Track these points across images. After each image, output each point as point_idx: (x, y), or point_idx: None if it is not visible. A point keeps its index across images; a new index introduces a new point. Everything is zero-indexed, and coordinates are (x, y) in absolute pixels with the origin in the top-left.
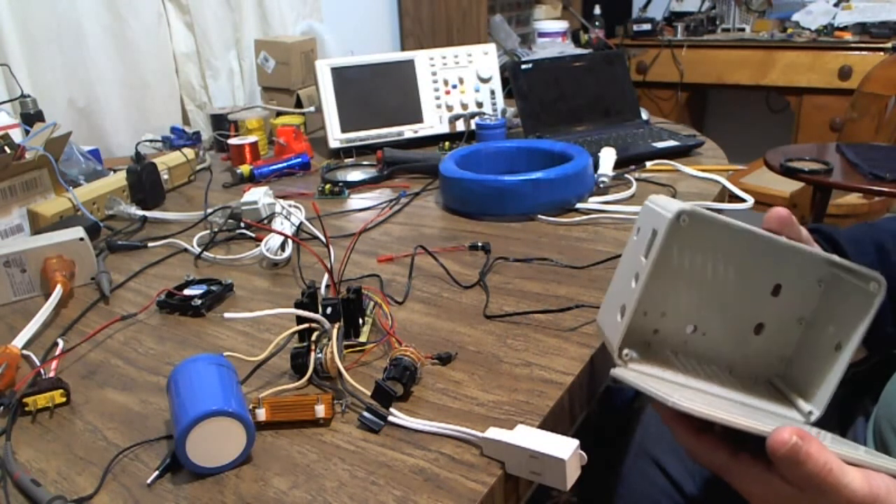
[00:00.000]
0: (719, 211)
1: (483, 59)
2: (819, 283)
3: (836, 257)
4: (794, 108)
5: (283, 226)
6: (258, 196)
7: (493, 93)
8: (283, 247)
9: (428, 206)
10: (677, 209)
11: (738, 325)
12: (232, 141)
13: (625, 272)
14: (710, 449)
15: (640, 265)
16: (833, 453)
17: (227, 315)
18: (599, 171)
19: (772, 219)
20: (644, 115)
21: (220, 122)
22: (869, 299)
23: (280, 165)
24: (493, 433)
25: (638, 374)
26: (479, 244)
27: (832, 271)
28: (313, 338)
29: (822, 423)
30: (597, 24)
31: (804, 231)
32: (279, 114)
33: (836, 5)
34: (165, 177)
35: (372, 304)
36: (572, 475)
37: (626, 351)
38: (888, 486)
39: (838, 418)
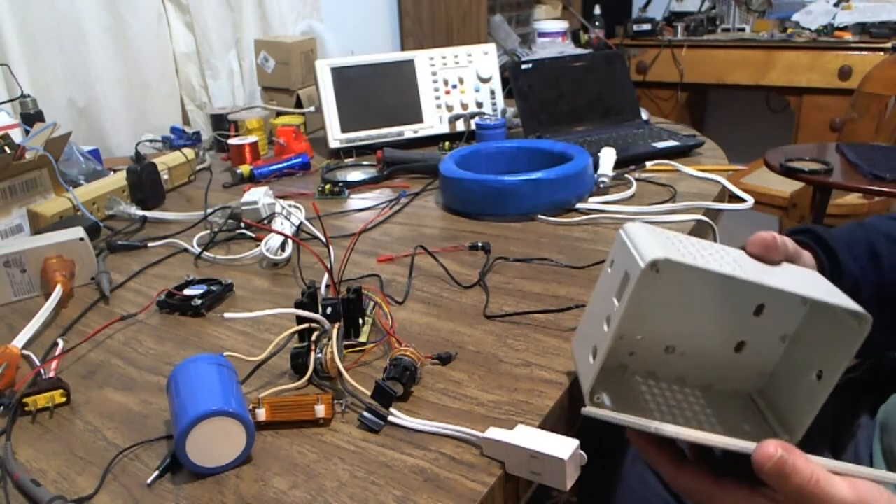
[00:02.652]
0: (719, 211)
1: (483, 59)
2: (804, 302)
3: (817, 296)
4: (794, 108)
5: (283, 226)
6: (258, 196)
7: (493, 93)
8: (283, 247)
9: (428, 206)
10: (650, 258)
11: (717, 344)
12: (232, 141)
13: (598, 308)
14: (691, 478)
15: (612, 308)
16: (817, 464)
17: (227, 315)
18: (599, 171)
19: (755, 244)
20: (644, 115)
21: (220, 122)
22: (853, 334)
23: (280, 165)
24: (493, 433)
25: (609, 411)
26: (479, 244)
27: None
28: (313, 338)
29: (815, 432)
30: (597, 24)
31: (790, 245)
32: (279, 114)
33: (836, 5)
34: (165, 177)
35: (372, 304)
36: (572, 475)
37: (597, 396)
38: (873, 492)
39: (832, 427)
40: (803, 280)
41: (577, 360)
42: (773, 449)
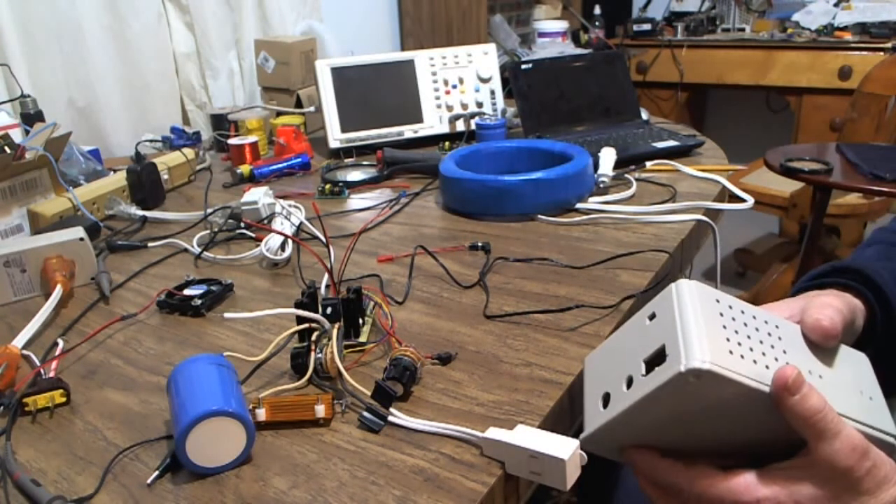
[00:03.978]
0: (719, 211)
1: (483, 59)
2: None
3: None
4: (794, 108)
5: (283, 226)
6: (258, 196)
7: (493, 93)
8: (283, 247)
9: (428, 206)
10: (692, 367)
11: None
12: (232, 141)
13: (624, 352)
14: (700, 471)
15: (638, 369)
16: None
17: (227, 315)
18: (599, 171)
19: (815, 332)
20: (644, 115)
21: (220, 122)
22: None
23: (280, 165)
24: (493, 433)
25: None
26: (479, 244)
27: None
28: (313, 338)
29: None
30: (597, 24)
31: (840, 323)
32: (279, 114)
33: (836, 5)
34: (165, 177)
35: (372, 304)
36: (572, 475)
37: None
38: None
39: None
40: (857, 389)
41: (587, 379)
42: (790, 370)
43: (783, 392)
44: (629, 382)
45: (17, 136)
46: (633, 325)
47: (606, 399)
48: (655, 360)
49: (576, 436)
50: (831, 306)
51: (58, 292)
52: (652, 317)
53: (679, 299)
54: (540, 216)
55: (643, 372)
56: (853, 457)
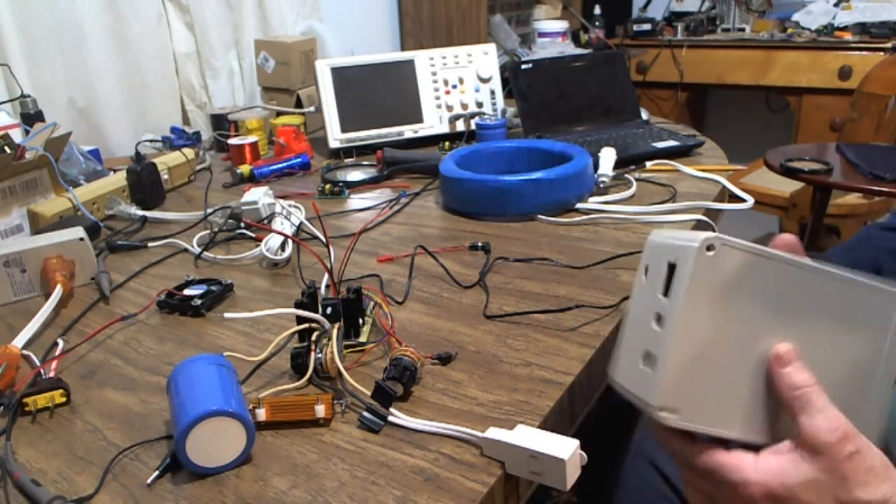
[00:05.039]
0: (719, 211)
1: (483, 59)
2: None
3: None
4: (794, 108)
5: (283, 226)
6: (258, 196)
7: (493, 93)
8: (283, 247)
9: (428, 206)
10: (703, 237)
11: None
12: (232, 141)
13: (639, 315)
14: (709, 454)
15: (660, 304)
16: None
17: (227, 315)
18: (599, 171)
19: (782, 246)
20: (644, 115)
21: (220, 122)
22: None
23: (280, 165)
24: (493, 433)
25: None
26: (479, 244)
27: None
28: (313, 338)
29: None
30: (597, 24)
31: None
32: (279, 114)
33: (836, 5)
34: (165, 177)
35: (372, 304)
36: (572, 475)
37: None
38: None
39: None
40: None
41: (624, 385)
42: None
43: (779, 364)
44: (658, 319)
45: (17, 136)
46: (634, 296)
47: (647, 357)
48: (669, 280)
49: (576, 436)
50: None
51: (58, 292)
52: (646, 270)
53: (661, 234)
54: (540, 216)
55: (662, 292)
56: (833, 436)
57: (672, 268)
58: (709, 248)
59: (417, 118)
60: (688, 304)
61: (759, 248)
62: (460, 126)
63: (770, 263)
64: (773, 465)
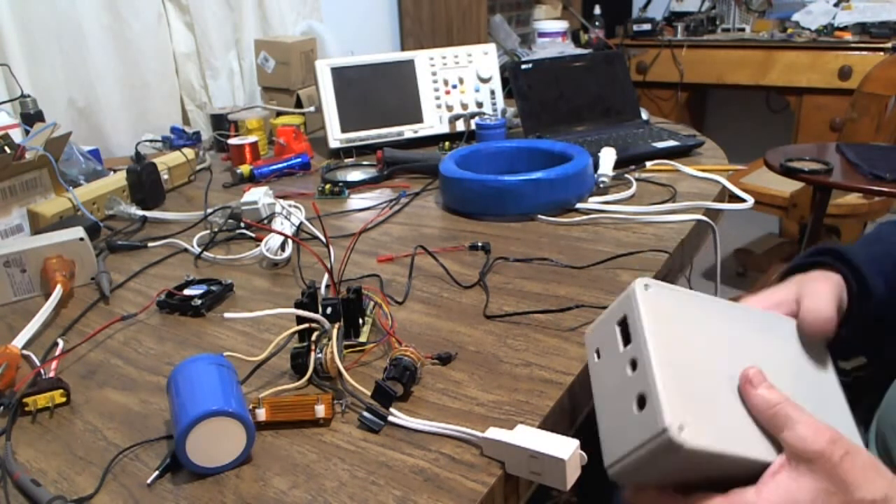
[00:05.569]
0: (719, 211)
1: (483, 59)
2: None
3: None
4: (794, 108)
5: (283, 226)
6: (258, 196)
7: (493, 93)
8: (283, 247)
9: (428, 206)
10: (638, 294)
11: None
12: (232, 141)
13: (611, 395)
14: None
15: (638, 350)
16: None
17: (227, 315)
18: (599, 171)
19: (813, 327)
20: (644, 115)
21: (220, 122)
22: None
23: (280, 165)
24: (493, 433)
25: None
26: (479, 244)
27: None
28: (313, 338)
29: None
30: (597, 24)
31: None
32: (279, 114)
33: (836, 5)
34: (165, 177)
35: (372, 304)
36: (572, 475)
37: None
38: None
39: None
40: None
41: (612, 441)
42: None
43: (752, 384)
44: (632, 365)
45: (17, 136)
46: (596, 381)
47: (641, 400)
48: (625, 334)
49: (576, 436)
50: (821, 295)
51: (58, 292)
52: (598, 354)
53: (644, 323)
54: (540, 216)
55: (623, 346)
56: (820, 441)
57: (623, 322)
58: (646, 287)
59: (417, 118)
60: (652, 328)
61: (680, 288)
62: (460, 126)
63: (691, 296)
64: (778, 489)
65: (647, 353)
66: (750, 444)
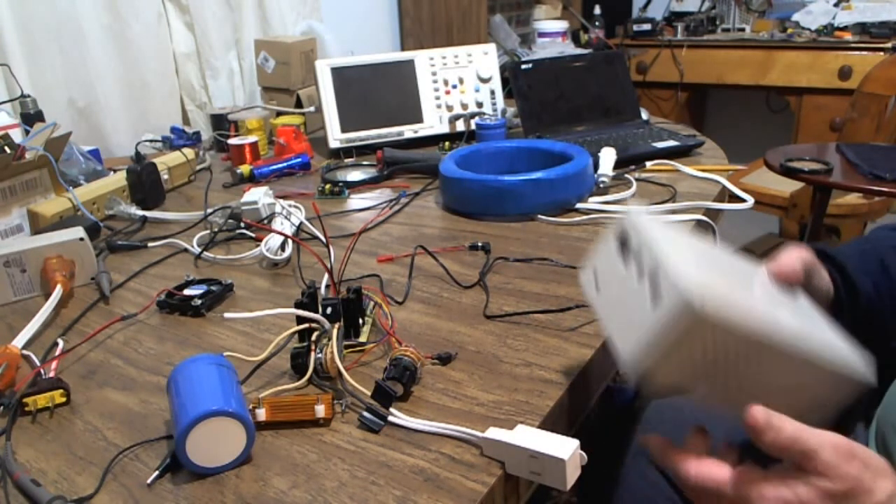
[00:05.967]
0: (719, 211)
1: (483, 59)
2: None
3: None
4: (794, 108)
5: (283, 226)
6: (258, 196)
7: (493, 93)
8: (283, 247)
9: (428, 206)
10: (697, 300)
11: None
12: (232, 141)
13: (620, 296)
14: (713, 467)
15: (646, 249)
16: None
17: (227, 315)
18: (599, 171)
19: (779, 274)
20: (644, 115)
21: (220, 122)
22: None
23: (280, 165)
24: (493, 433)
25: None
26: (479, 244)
27: None
28: (313, 338)
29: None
30: (597, 24)
31: (808, 259)
32: (279, 114)
33: (836, 5)
34: (165, 177)
35: (372, 304)
36: (572, 475)
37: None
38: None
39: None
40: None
41: (631, 340)
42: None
43: (758, 433)
44: (639, 273)
45: (17, 136)
46: (599, 301)
47: (654, 290)
48: (623, 250)
49: (576, 436)
50: (791, 251)
51: (58, 292)
52: (596, 281)
53: (641, 228)
54: (540, 216)
55: (623, 262)
56: (843, 462)
57: (622, 240)
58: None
59: (417, 118)
60: (654, 227)
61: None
62: (460, 126)
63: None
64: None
65: (657, 245)
66: (772, 318)
